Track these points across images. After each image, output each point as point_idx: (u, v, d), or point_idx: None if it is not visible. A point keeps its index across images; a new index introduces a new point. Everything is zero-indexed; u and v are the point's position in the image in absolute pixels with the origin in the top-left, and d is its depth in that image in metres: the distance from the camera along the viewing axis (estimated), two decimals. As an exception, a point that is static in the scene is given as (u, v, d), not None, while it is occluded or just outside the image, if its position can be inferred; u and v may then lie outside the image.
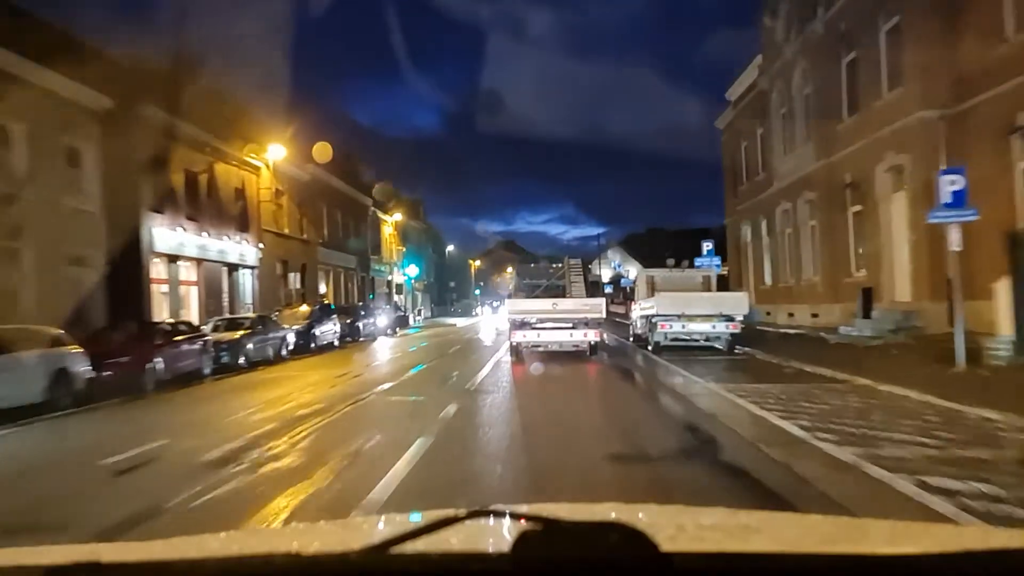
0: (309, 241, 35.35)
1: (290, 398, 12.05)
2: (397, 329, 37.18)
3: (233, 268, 27.47)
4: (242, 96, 31.44)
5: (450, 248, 77.17)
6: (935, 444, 6.72)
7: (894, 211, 18.14)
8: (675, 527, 1.46)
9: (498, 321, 34.98)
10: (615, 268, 65.78)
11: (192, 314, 23.80)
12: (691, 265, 21.69)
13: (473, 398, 10.99)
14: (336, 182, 39.07)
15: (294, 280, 32.30)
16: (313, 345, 24.33)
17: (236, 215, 27.47)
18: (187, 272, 24.38)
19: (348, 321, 29.33)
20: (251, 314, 24.13)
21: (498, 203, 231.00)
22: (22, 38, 17.26)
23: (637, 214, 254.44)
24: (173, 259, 23.17)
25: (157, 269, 22.55)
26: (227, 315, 24.03)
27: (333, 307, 30.71)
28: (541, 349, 17.34)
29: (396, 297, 51.05)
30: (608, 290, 50.21)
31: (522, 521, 1.17)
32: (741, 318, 17.39)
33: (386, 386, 13.34)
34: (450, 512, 1.20)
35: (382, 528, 1.79)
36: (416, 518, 1.62)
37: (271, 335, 21.10)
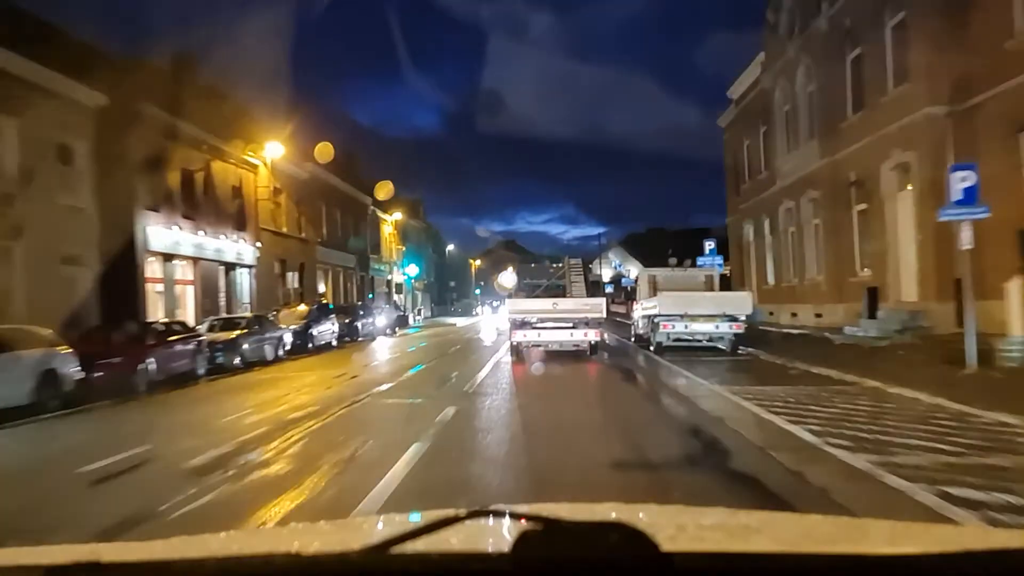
0: (308, 240, 35.07)
1: (284, 400, 11.77)
2: (396, 329, 36.88)
3: (230, 267, 27.19)
4: (240, 94, 31.19)
5: (450, 248, 76.93)
6: (952, 450, 6.43)
7: (900, 209, 17.84)
8: (675, 527, 1.45)
9: (498, 321, 34.74)
10: (615, 268, 65.57)
11: (188, 314, 23.53)
12: (693, 264, 21.34)
13: (472, 400, 10.70)
14: (335, 181, 38.79)
15: (292, 279, 32.02)
16: (311, 345, 24.03)
17: (233, 214, 27.18)
18: (183, 271, 24.10)
19: (346, 321, 29.05)
20: (247, 314, 23.84)
21: (498, 203, 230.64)
22: (13, 33, 17.00)
23: (637, 214, 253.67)
24: (169, 258, 22.89)
25: (152, 268, 22.27)
26: (223, 315, 23.76)
27: (331, 307, 30.40)
28: (541, 349, 17.26)
29: (396, 297, 50.76)
30: (609, 290, 50.00)
31: (522, 521, 1.16)
32: (744, 318, 17.10)
33: (383, 387, 13.06)
34: (450, 512, 1.19)
35: (382, 528, 1.76)
36: (416, 518, 1.60)
37: (267, 335, 20.82)
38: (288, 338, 22.13)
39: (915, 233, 16.92)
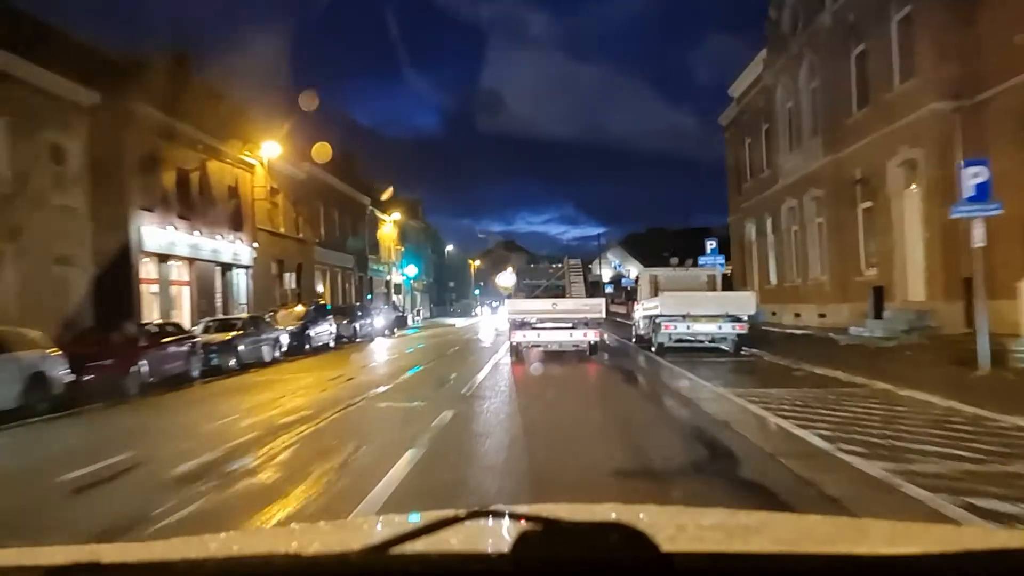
0: (305, 240, 34.77)
1: (277, 403, 11.47)
2: (395, 330, 36.58)
3: (227, 268, 26.89)
4: (236, 93, 30.94)
5: (449, 248, 76.62)
6: (972, 457, 6.14)
7: (907, 207, 17.55)
8: (675, 527, 1.45)
9: (497, 321, 34.49)
10: (615, 268, 65.34)
11: (184, 315, 23.24)
12: (695, 264, 21.04)
13: (469, 404, 10.40)
14: (333, 181, 38.48)
15: (289, 280, 31.70)
16: (308, 346, 23.74)
17: (230, 214, 26.88)
18: (178, 272, 23.80)
19: (344, 322, 28.76)
20: (243, 315, 23.54)
21: (498, 203, 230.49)
22: (4, 31, 16.71)
23: (637, 214, 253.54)
24: (164, 258, 22.59)
25: (147, 269, 21.98)
26: (219, 316, 23.45)
27: (329, 307, 30.11)
28: (541, 349, 17.17)
29: (395, 297, 50.47)
30: (609, 290, 49.73)
31: (522, 521, 1.15)
32: (747, 319, 16.81)
33: (379, 390, 12.76)
34: (450, 513, 1.18)
35: (382, 529, 1.74)
36: (416, 519, 1.58)
37: (263, 336, 20.52)
38: (285, 339, 21.84)
39: (922, 231, 16.63)
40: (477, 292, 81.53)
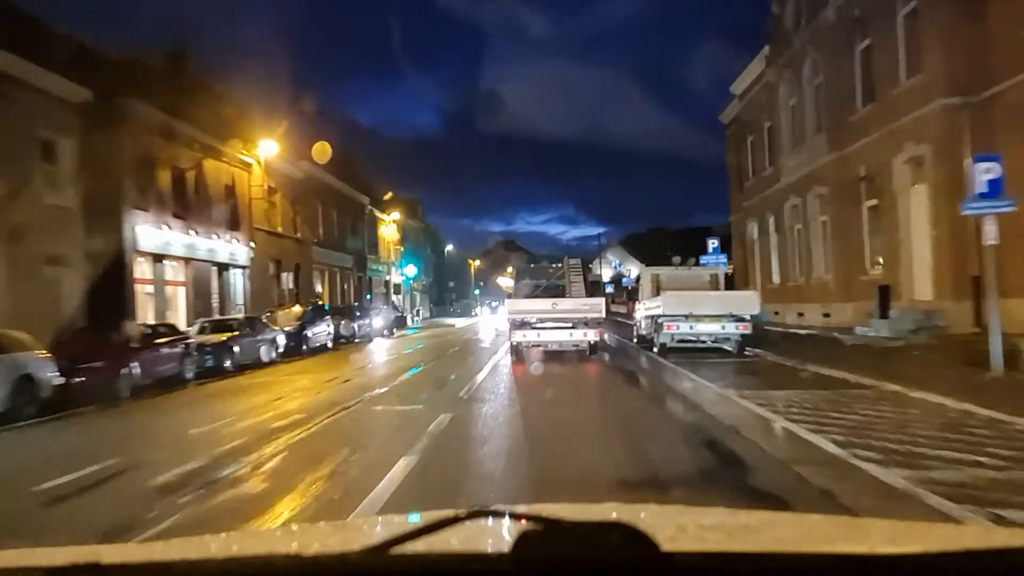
0: (303, 240, 34.47)
1: (270, 406, 11.17)
2: (394, 330, 36.27)
3: (223, 268, 26.59)
4: (234, 91, 30.70)
5: (449, 248, 76.32)
6: (993, 464, 5.84)
7: (913, 205, 17.22)
8: (676, 527, 1.45)
9: (497, 321, 34.24)
10: (615, 268, 65.03)
11: (180, 316, 22.96)
12: (697, 263, 20.72)
13: (467, 407, 10.09)
14: (332, 180, 38.18)
15: (287, 280, 31.38)
16: (305, 347, 23.43)
17: (226, 213, 26.56)
18: (174, 272, 23.50)
19: (343, 322, 28.45)
20: (239, 315, 23.25)
21: (498, 203, 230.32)
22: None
23: (637, 214, 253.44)
24: (159, 258, 22.29)
25: (141, 269, 21.67)
26: (215, 316, 23.15)
27: (327, 308, 29.81)
28: (541, 349, 17.11)
29: (394, 297, 50.17)
30: (609, 289, 49.40)
31: (522, 521, 1.15)
32: (750, 318, 16.49)
33: (375, 392, 12.46)
34: (450, 512, 1.17)
35: (382, 529, 1.72)
36: (416, 519, 1.57)
37: (260, 337, 20.23)
38: (281, 340, 21.52)
39: (929, 229, 16.30)
40: (477, 292, 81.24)
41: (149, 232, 21.55)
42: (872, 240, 19.50)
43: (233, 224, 26.99)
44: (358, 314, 31.87)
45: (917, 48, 16.54)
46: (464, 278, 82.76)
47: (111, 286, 19.40)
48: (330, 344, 25.68)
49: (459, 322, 49.71)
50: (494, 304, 56.35)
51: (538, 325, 16.85)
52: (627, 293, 34.69)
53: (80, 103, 19.10)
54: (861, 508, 4.74)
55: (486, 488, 5.83)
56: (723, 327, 16.43)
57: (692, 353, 16.38)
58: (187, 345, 16.65)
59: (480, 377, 13.99)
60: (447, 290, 77.42)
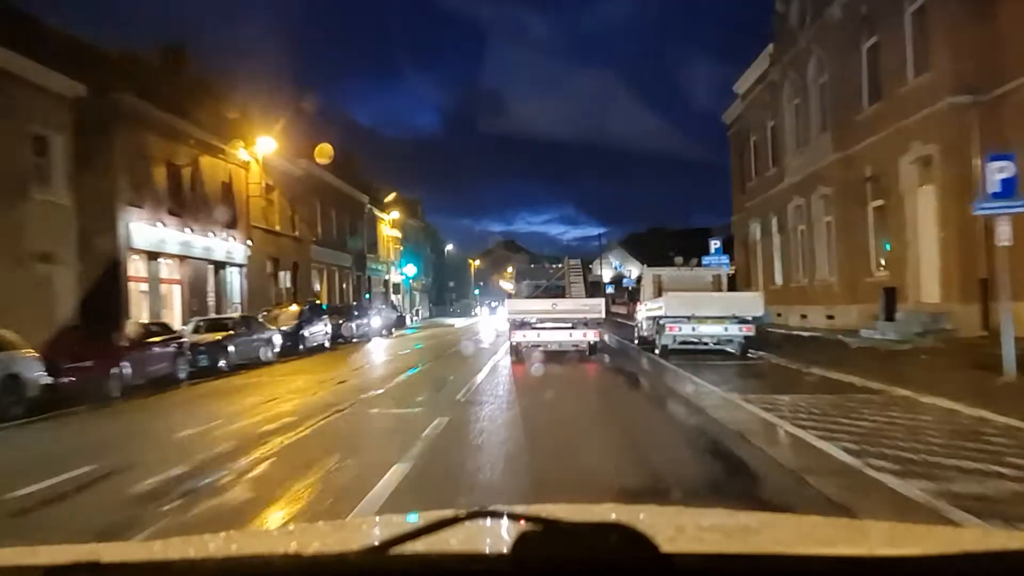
0: (301, 239, 34.17)
1: (262, 408, 10.87)
2: (393, 330, 35.96)
3: (220, 266, 26.29)
4: (231, 88, 30.42)
5: (449, 247, 76.02)
6: (1014, 475, 5.56)
7: (920, 205, 16.91)
8: (675, 528, 1.45)
9: (497, 322, 33.99)
10: (616, 268, 64.76)
11: (175, 314, 22.68)
12: (699, 264, 20.42)
13: (464, 410, 9.79)
14: (331, 178, 37.87)
15: (284, 279, 31.07)
16: (302, 347, 23.17)
17: (223, 210, 26.24)
18: (169, 270, 23.20)
19: (341, 322, 28.15)
20: (234, 314, 22.96)
21: (498, 203, 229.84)
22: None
23: (637, 214, 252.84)
24: (153, 256, 21.99)
25: (136, 266, 21.39)
26: (211, 315, 22.86)
27: (325, 307, 29.54)
28: (540, 349, 17.08)
29: (393, 297, 49.87)
30: (609, 290, 49.11)
31: (522, 522, 1.14)
32: (752, 319, 16.18)
33: (371, 394, 12.18)
34: (449, 513, 1.17)
35: (382, 529, 1.68)
36: (415, 519, 1.55)
37: (255, 337, 19.94)
38: (278, 340, 21.22)
39: (937, 230, 15.99)
40: (477, 292, 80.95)
41: (144, 229, 21.25)
42: (878, 241, 19.19)
43: (230, 222, 26.69)
44: (356, 314, 31.59)
45: (925, 46, 16.23)
46: (464, 278, 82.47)
47: (105, 284, 19.08)
48: (327, 344, 25.39)
49: (459, 322, 49.39)
50: (493, 304, 56.04)
51: (538, 325, 16.86)
52: (628, 294, 34.43)
53: (74, 99, 18.78)
54: (881, 524, 4.44)
55: (482, 499, 5.52)
56: (726, 329, 16.14)
57: (694, 355, 16.09)
58: (180, 344, 16.36)
59: (479, 378, 13.72)
60: (447, 290, 77.13)
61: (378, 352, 24.68)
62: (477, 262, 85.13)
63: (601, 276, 54.90)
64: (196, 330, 18.92)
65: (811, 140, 22.93)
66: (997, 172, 10.03)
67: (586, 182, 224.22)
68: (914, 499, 4.95)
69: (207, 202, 25.09)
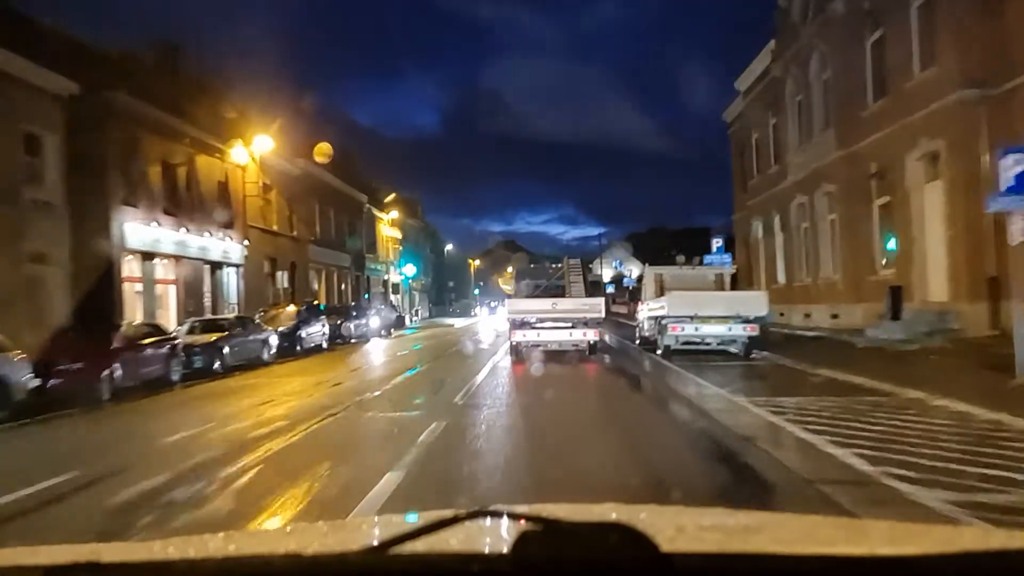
0: (300, 239, 33.86)
1: (254, 411, 10.58)
2: (392, 330, 35.64)
3: (216, 266, 25.99)
4: (228, 88, 30.14)
5: (449, 247, 75.71)
6: (1043, 484, 5.24)
7: (927, 202, 16.60)
8: (675, 528, 1.44)
9: (496, 322, 33.73)
10: (616, 267, 64.48)
11: (170, 315, 22.40)
12: (701, 263, 20.13)
13: (462, 414, 9.48)
14: (329, 178, 37.57)
15: (282, 279, 30.77)
16: (299, 348, 22.87)
17: (219, 210, 25.94)
18: (164, 270, 22.91)
19: (339, 322, 27.84)
20: (230, 315, 22.66)
21: (498, 203, 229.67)
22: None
23: (637, 214, 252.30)
24: (148, 256, 21.70)
25: (130, 267, 21.09)
26: (207, 316, 22.55)
27: (323, 307, 29.23)
28: (540, 349, 17.09)
29: (393, 297, 49.56)
30: (610, 289, 48.82)
31: (522, 521, 1.14)
32: (755, 319, 15.85)
33: (367, 396, 11.88)
34: (450, 512, 1.16)
35: (382, 529, 1.65)
36: (415, 519, 1.57)
37: (251, 337, 19.62)
38: (274, 340, 20.91)
39: (945, 228, 15.68)
40: (476, 292, 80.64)
41: (138, 229, 20.96)
42: (883, 239, 18.87)
43: (226, 222, 26.38)
44: (355, 314, 31.27)
45: (932, 39, 15.92)
46: (464, 278, 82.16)
47: (98, 285, 18.80)
48: (325, 345, 25.09)
49: (458, 322, 49.07)
50: (493, 304, 55.75)
51: (538, 325, 16.89)
52: (629, 293, 34.14)
53: (67, 97, 18.51)
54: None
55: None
56: (730, 329, 15.81)
57: (697, 355, 15.78)
58: (174, 346, 16.05)
59: (477, 380, 13.44)
60: (446, 290, 76.84)
61: (376, 353, 24.38)
62: (477, 262, 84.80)
63: (601, 276, 54.63)
64: (191, 331, 18.62)
65: (814, 137, 22.62)
66: (1012, 166, 9.70)
67: (586, 182, 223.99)
68: (938, 511, 4.65)
69: (203, 202, 24.80)
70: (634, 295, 27.03)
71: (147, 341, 15.23)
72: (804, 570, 1.12)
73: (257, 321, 21.61)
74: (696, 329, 15.91)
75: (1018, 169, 9.66)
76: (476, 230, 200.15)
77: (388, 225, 50.02)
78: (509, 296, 21.04)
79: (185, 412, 11.26)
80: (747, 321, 15.71)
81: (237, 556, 1.31)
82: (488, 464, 6.71)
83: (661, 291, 17.54)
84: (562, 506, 1.57)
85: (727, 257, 25.58)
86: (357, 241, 42.58)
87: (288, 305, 26.50)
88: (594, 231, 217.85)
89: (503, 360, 17.28)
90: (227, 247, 26.42)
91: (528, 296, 18.95)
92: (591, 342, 17.06)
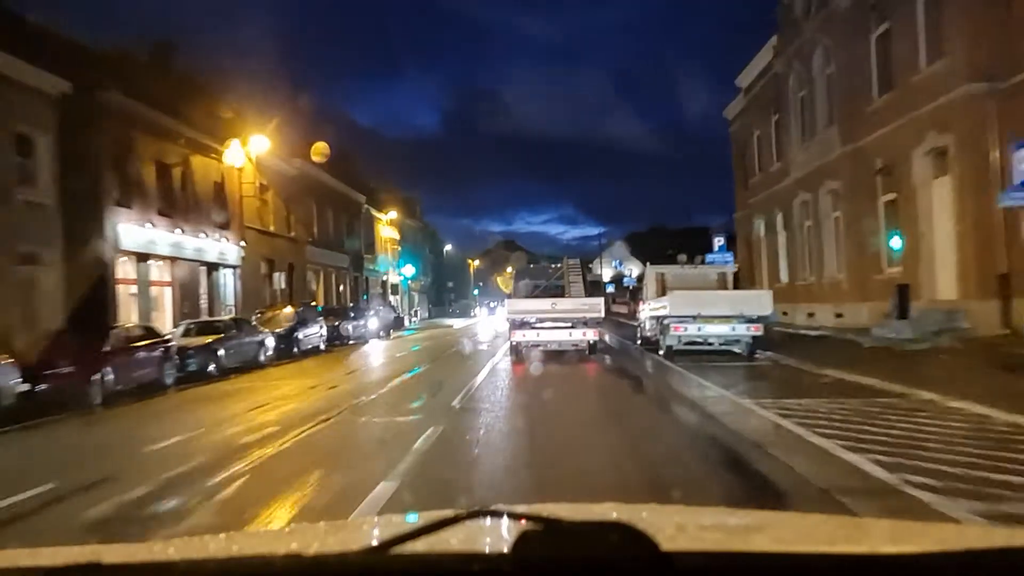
0: (297, 239, 33.56)
1: (245, 416, 10.28)
2: (391, 331, 35.33)
3: (213, 267, 25.69)
4: (225, 88, 29.85)
5: (448, 248, 75.41)
6: (1070, 492, 4.94)
7: (935, 198, 16.27)
8: (675, 527, 1.46)
9: (496, 322, 33.45)
10: (616, 267, 64.21)
11: (166, 317, 22.11)
12: (703, 262, 19.81)
13: (459, 419, 9.18)
14: (327, 178, 37.26)
15: (279, 280, 30.46)
16: (296, 350, 22.56)
17: (215, 211, 25.64)
18: (159, 272, 22.60)
19: (336, 323, 27.54)
20: (226, 317, 22.35)
21: (498, 203, 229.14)
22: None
23: (637, 214, 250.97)
24: (143, 257, 21.39)
25: (125, 268, 20.79)
26: (203, 318, 22.24)
27: (320, 308, 28.93)
28: (540, 349, 17.11)
29: (392, 298, 49.25)
30: (610, 289, 48.53)
31: (522, 521, 1.14)
32: (758, 318, 15.53)
33: (362, 400, 11.58)
34: (450, 512, 1.17)
35: (382, 529, 1.64)
36: (415, 519, 1.57)
37: (247, 340, 19.32)
38: (271, 342, 20.61)
39: (953, 224, 15.35)
40: (476, 292, 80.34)
41: (132, 230, 20.65)
42: (889, 236, 18.52)
43: (223, 222, 26.08)
44: (353, 315, 30.96)
45: (939, 32, 15.57)
46: (463, 278, 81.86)
47: (92, 287, 18.51)
48: (323, 346, 24.79)
49: (457, 323, 48.78)
50: (492, 305, 55.45)
51: (537, 325, 16.87)
52: (630, 293, 33.83)
53: (58, 96, 18.21)
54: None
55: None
56: (733, 328, 15.49)
57: (699, 356, 15.47)
58: (167, 349, 15.75)
59: (476, 382, 13.15)
60: (446, 290, 76.54)
61: (374, 354, 24.07)
62: (476, 262, 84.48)
63: (601, 275, 54.36)
64: (186, 333, 18.34)
65: (818, 133, 22.30)
66: (1025, 161, 9.42)
67: (586, 182, 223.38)
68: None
69: (199, 202, 24.50)
70: (635, 295, 26.70)
71: (140, 344, 14.94)
72: (805, 569, 1.11)
73: (253, 323, 21.32)
74: (699, 329, 15.59)
75: (1033, 163, 9.37)
76: (476, 230, 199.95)
77: (387, 225, 49.71)
78: (508, 296, 20.96)
79: (175, 417, 10.97)
80: (751, 321, 15.39)
81: (238, 556, 1.31)
82: (485, 473, 6.40)
83: (663, 290, 17.24)
84: (562, 506, 1.55)
85: (729, 256, 25.28)
86: (356, 242, 42.29)
87: (285, 306, 26.21)
88: (594, 231, 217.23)
89: (502, 361, 17.05)
90: (223, 248, 26.12)
91: (527, 296, 18.87)
92: (591, 342, 17.06)
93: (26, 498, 5.81)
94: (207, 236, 24.89)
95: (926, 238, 16.48)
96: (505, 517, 1.25)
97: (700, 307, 15.63)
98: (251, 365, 18.73)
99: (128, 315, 20.05)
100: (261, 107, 28.94)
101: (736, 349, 15.89)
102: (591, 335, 16.96)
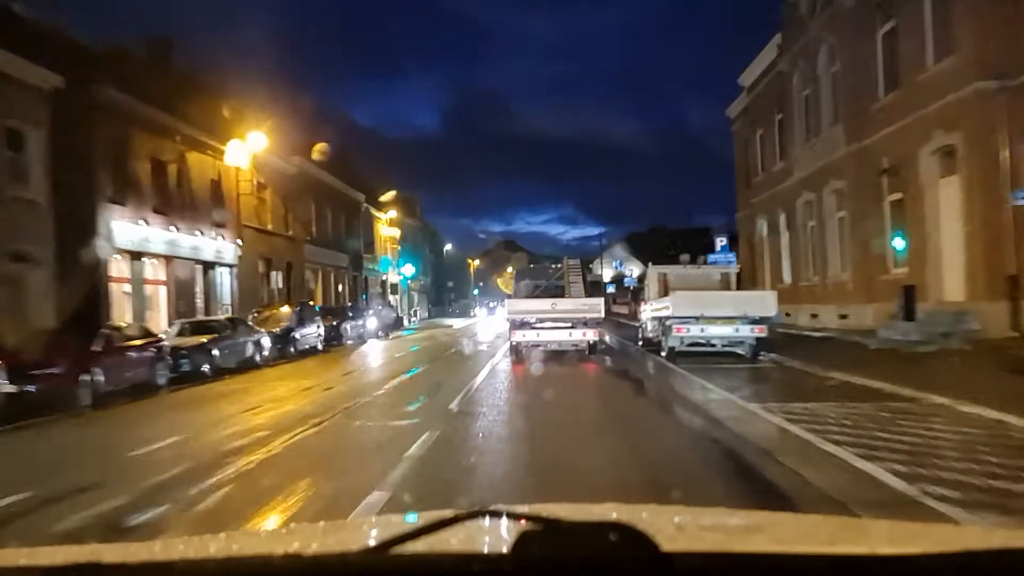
0: (295, 238, 33.26)
1: (237, 419, 10.00)
2: (390, 331, 35.03)
3: (209, 266, 25.38)
4: (223, 85, 29.57)
5: (448, 247, 75.14)
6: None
7: (943, 198, 15.98)
8: (675, 527, 1.46)
9: (496, 323, 33.19)
10: (616, 267, 63.99)
11: (161, 316, 21.81)
12: (705, 262, 19.54)
13: (456, 423, 8.89)
14: (326, 177, 36.98)
15: (277, 279, 30.16)
16: (293, 350, 22.26)
17: (212, 209, 25.34)
18: (154, 270, 22.30)
19: (335, 323, 27.24)
20: (221, 316, 22.06)
21: (498, 203, 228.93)
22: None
23: (638, 214, 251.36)
24: (137, 256, 21.09)
25: (119, 267, 20.49)
26: (197, 317, 21.94)
27: (318, 308, 28.62)
28: (540, 349, 17.05)
29: (391, 297, 48.96)
30: (610, 289, 48.25)
31: (522, 521, 1.14)
32: (761, 319, 15.24)
33: (357, 402, 11.28)
34: (450, 512, 1.17)
35: (382, 529, 1.62)
36: (415, 519, 1.58)
37: (242, 339, 19.02)
38: (266, 342, 20.30)
39: (961, 224, 15.07)
40: (476, 292, 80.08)
41: (126, 228, 20.36)
42: (894, 237, 18.24)
43: (220, 221, 25.78)
44: (351, 315, 30.67)
45: (947, 29, 15.28)
46: (463, 278, 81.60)
47: (85, 285, 18.21)
48: (320, 346, 24.50)
49: (457, 323, 48.48)
50: (492, 305, 55.19)
51: (537, 325, 16.82)
52: (631, 293, 33.51)
53: (50, 90, 17.90)
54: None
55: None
56: (736, 329, 15.21)
57: (702, 357, 15.19)
58: (159, 349, 15.45)
59: (475, 384, 12.88)
60: (446, 290, 76.27)
61: (372, 355, 23.79)
62: (476, 262, 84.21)
63: (601, 276, 54.10)
64: (180, 333, 18.06)
65: (822, 132, 22.01)
66: (1041, 158, 9.12)
67: (586, 182, 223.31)
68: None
69: (195, 200, 24.21)
70: (635, 295, 26.41)
71: (131, 344, 14.64)
72: (805, 569, 1.11)
73: (250, 322, 21.03)
74: (702, 330, 15.32)
75: (1049, 160, 9.07)
76: (476, 230, 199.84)
77: (386, 225, 49.41)
78: (509, 296, 20.95)
79: (165, 420, 10.67)
80: (755, 322, 15.12)
81: (237, 556, 1.31)
82: (482, 481, 6.11)
83: (665, 291, 16.96)
84: (562, 506, 1.54)
85: (732, 256, 24.99)
86: (355, 241, 42.00)
87: (282, 306, 25.89)
88: (594, 231, 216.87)
89: (502, 362, 16.84)
90: (220, 247, 25.83)
91: (528, 296, 18.81)
92: (591, 342, 17.04)
93: (5, 505, 5.52)
94: (203, 234, 24.60)
95: (933, 238, 16.19)
96: (505, 517, 1.24)
97: (703, 308, 15.35)
98: (247, 365, 18.44)
99: (122, 314, 19.75)
100: (260, 106, 28.70)
101: (739, 351, 15.62)
102: (591, 335, 16.92)
